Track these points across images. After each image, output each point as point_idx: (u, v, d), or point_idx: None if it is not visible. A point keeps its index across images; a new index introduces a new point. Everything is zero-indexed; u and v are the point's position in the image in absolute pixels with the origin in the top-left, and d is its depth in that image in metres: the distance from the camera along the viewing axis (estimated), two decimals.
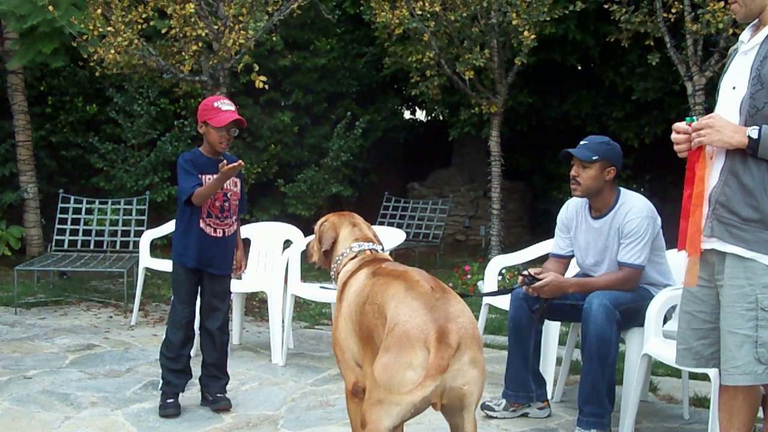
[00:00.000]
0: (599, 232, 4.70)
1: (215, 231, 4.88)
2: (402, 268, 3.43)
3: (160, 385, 4.95)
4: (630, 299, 4.51)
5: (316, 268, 3.95)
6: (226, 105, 4.84)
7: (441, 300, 3.04)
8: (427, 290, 3.09)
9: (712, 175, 3.41)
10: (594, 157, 4.56)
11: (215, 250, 4.91)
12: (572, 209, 4.92)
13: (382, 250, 3.77)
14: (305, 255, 4.21)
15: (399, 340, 2.91)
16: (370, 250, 3.71)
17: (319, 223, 3.92)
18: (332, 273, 3.77)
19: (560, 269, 4.89)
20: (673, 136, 3.48)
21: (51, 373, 5.75)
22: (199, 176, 4.81)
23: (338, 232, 3.79)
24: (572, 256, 4.95)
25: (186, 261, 4.88)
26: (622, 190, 4.73)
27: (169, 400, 4.90)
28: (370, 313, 3.25)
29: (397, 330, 2.93)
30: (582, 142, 4.68)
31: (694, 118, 3.44)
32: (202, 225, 4.84)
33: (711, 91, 7.17)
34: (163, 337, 5.04)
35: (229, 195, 4.92)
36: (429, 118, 16.97)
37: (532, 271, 4.64)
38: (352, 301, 3.42)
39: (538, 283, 4.53)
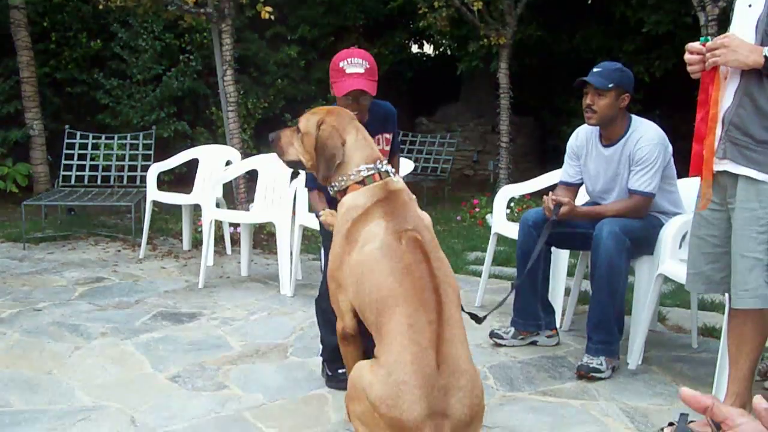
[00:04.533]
0: (610, 159, 4.64)
1: None
2: (419, 256, 3.03)
3: (320, 351, 4.40)
4: (640, 227, 4.48)
5: (294, 167, 3.55)
6: (353, 66, 3.93)
7: (443, 391, 2.78)
8: (431, 371, 2.78)
9: (726, 96, 3.34)
10: (609, 85, 4.47)
11: None
12: (582, 137, 4.85)
13: (392, 173, 3.34)
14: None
15: (392, 421, 2.75)
16: (379, 173, 3.28)
17: (308, 120, 3.40)
18: (331, 190, 3.37)
19: (570, 197, 4.84)
20: (687, 56, 3.40)
21: (61, 305, 5.77)
22: None
23: (344, 139, 3.31)
24: (581, 183, 4.90)
25: None
26: (634, 117, 4.66)
27: (339, 371, 4.13)
28: (372, 314, 3.02)
29: (393, 412, 2.75)
30: (595, 69, 4.58)
31: (708, 38, 3.36)
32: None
33: (724, 21, 7.03)
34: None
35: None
36: (437, 52, 16.83)
37: (553, 199, 4.60)
38: (362, 263, 3.08)
39: (561, 209, 4.51)
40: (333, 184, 3.33)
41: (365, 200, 3.20)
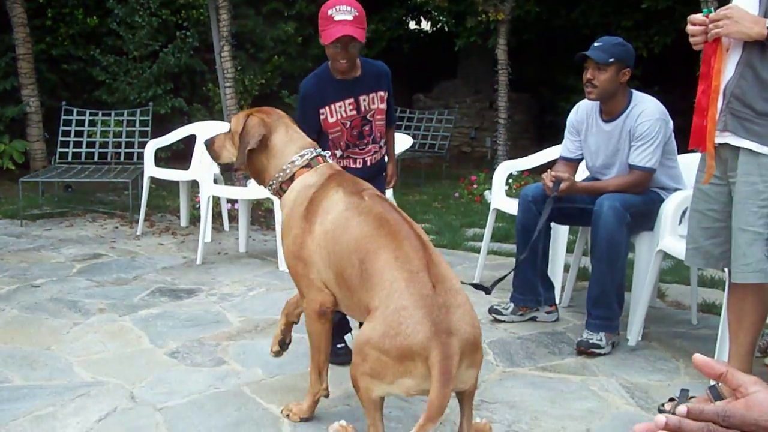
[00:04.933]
0: (610, 135, 4.61)
1: (354, 162, 4.08)
2: (386, 206, 3.19)
3: None
4: (640, 202, 4.46)
5: (227, 170, 3.66)
6: (341, 13, 3.81)
7: (444, 309, 2.81)
8: (428, 291, 2.83)
9: (727, 68, 3.32)
10: (610, 60, 4.44)
11: None
12: (582, 112, 4.82)
13: (327, 157, 3.49)
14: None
15: (400, 350, 2.76)
16: (321, 156, 3.43)
17: (238, 118, 3.49)
18: (271, 184, 3.42)
19: (570, 172, 4.82)
20: (689, 27, 3.37)
21: (58, 281, 5.76)
22: (321, 109, 3.98)
23: (271, 132, 3.41)
24: (581, 159, 4.88)
25: None
26: (635, 92, 4.63)
27: (338, 345, 4.16)
28: (354, 266, 3.04)
29: (398, 340, 2.76)
30: (596, 44, 4.54)
31: (711, 10, 3.33)
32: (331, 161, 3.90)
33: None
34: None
35: (368, 116, 4.07)
36: (434, 29, 16.76)
37: (552, 175, 4.58)
38: (331, 230, 3.15)
39: (561, 185, 4.49)
40: (277, 175, 3.40)
41: (317, 179, 3.31)
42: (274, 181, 3.40)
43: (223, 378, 3.95)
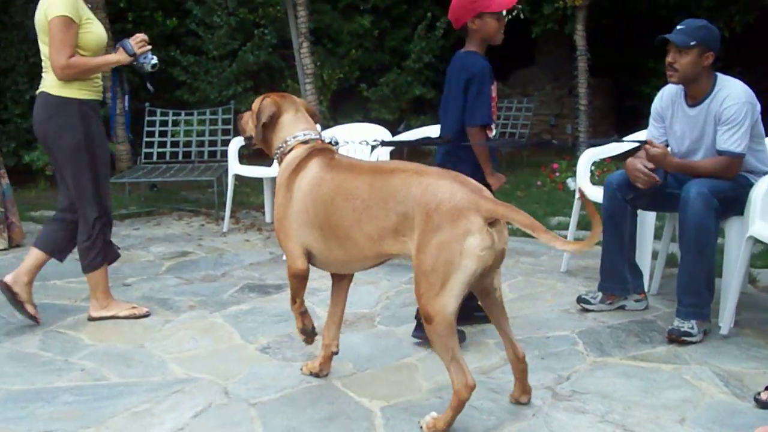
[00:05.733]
0: (695, 119, 4.53)
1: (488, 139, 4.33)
2: (365, 161, 3.57)
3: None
4: (728, 187, 4.37)
5: (247, 145, 3.94)
6: None
7: (462, 179, 3.13)
8: (441, 171, 3.18)
9: None
10: (692, 43, 4.36)
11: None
12: (667, 98, 4.75)
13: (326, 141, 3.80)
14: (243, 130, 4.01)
15: (450, 215, 2.97)
16: (320, 140, 3.72)
17: (258, 99, 3.83)
18: (275, 154, 3.74)
19: None
20: None
21: (149, 279, 5.88)
22: (491, 86, 4.26)
23: (281, 111, 3.74)
24: (666, 145, 4.80)
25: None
26: (719, 75, 4.54)
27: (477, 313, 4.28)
28: (344, 208, 3.31)
29: (442, 206, 2.99)
30: (678, 27, 4.47)
31: None
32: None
33: None
34: None
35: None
36: (510, 16, 16.61)
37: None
38: (308, 193, 3.46)
39: (653, 150, 4.45)
40: (280, 146, 3.71)
41: (303, 152, 3.61)
42: (278, 151, 3.71)
43: None
